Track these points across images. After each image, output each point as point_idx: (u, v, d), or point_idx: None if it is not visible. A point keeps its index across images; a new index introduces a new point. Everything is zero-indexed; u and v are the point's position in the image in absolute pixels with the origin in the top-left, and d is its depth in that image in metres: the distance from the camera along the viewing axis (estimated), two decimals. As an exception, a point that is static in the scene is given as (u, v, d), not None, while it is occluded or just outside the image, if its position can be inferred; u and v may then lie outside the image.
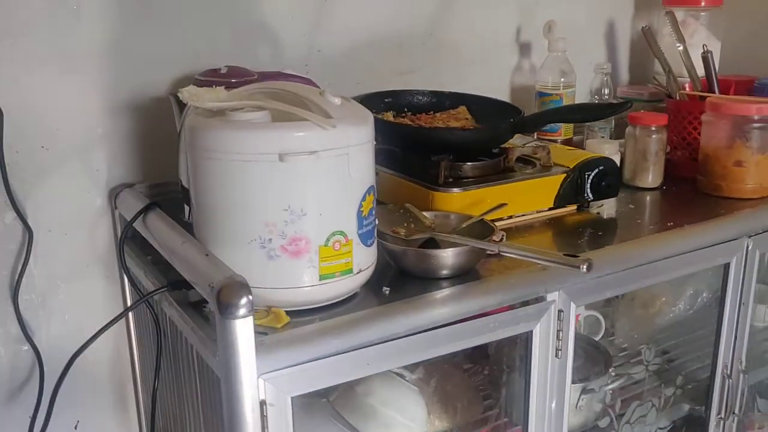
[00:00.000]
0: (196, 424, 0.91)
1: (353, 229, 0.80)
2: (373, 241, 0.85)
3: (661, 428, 1.19)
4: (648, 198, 1.29)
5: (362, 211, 0.81)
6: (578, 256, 0.78)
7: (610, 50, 1.63)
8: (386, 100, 1.30)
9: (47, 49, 1.01)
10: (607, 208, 1.21)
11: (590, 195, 1.17)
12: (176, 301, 0.86)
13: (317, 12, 1.22)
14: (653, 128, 1.29)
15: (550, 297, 0.93)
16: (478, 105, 1.31)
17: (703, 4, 1.54)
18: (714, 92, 1.37)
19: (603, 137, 1.46)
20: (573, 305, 0.96)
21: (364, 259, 0.83)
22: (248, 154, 0.74)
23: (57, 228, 1.06)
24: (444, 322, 0.84)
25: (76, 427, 1.14)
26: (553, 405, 0.98)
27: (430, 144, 1.12)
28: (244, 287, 0.70)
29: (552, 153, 1.19)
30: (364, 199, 0.81)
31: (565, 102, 1.39)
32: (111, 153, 1.08)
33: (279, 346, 0.75)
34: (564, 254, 0.79)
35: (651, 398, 1.15)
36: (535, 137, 1.38)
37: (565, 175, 1.15)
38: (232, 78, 0.98)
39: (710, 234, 1.11)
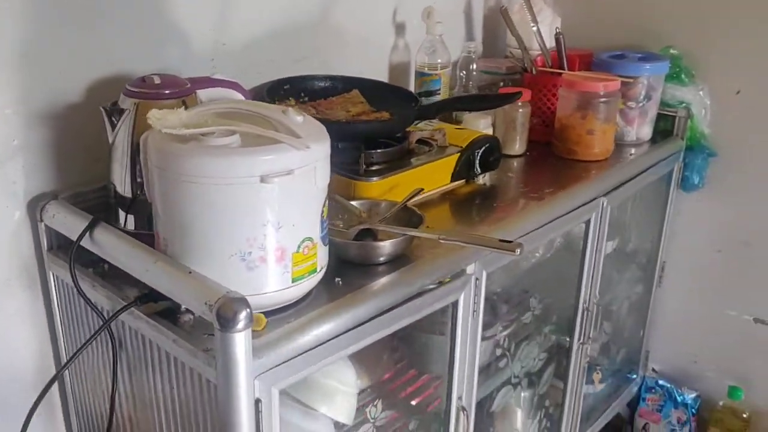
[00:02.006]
0: (167, 427, 0.97)
1: (317, 232, 0.89)
2: (328, 239, 0.95)
3: (540, 359, 1.43)
4: (516, 164, 1.49)
5: (323, 214, 0.90)
6: (512, 242, 0.94)
7: (468, 28, 1.78)
8: (285, 87, 1.36)
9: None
10: (490, 177, 1.39)
11: (479, 169, 1.33)
12: (146, 314, 0.90)
13: (221, 6, 1.24)
14: (520, 103, 1.48)
15: (469, 269, 1.09)
16: (369, 88, 1.41)
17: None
18: (564, 68, 1.58)
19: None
20: (485, 272, 1.13)
21: (324, 257, 0.93)
22: (231, 178, 0.80)
23: (-27, 244, 1.03)
24: (393, 304, 0.97)
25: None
26: (467, 355, 1.15)
27: (351, 136, 1.22)
28: (242, 302, 0.77)
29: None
30: (324, 203, 0.90)
31: (443, 81, 1.53)
32: (28, 163, 1.05)
33: (268, 347, 0.83)
34: (500, 240, 0.94)
35: (536, 337, 1.37)
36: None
37: (459, 154, 1.30)
38: (165, 89, 1.00)
39: (576, 198, 1.34)
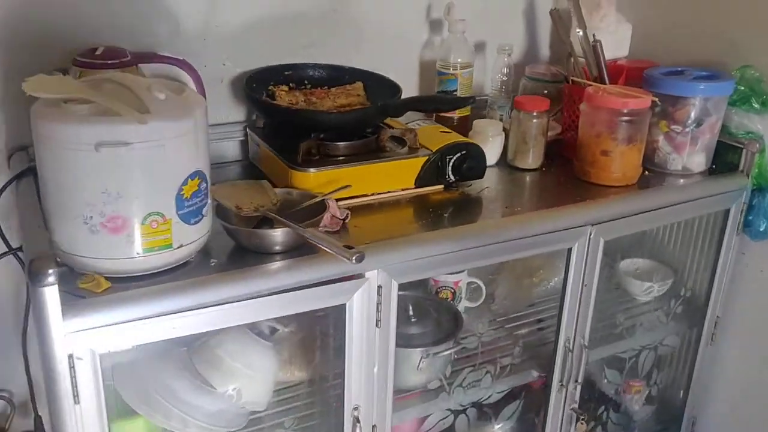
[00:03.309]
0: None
1: (172, 210, 0.92)
2: (200, 219, 0.97)
3: (498, 392, 1.31)
4: (523, 178, 1.37)
5: (183, 194, 0.92)
6: (353, 248, 0.88)
7: (529, 31, 1.66)
8: (286, 72, 1.39)
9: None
10: (479, 187, 1.29)
11: (452, 176, 1.25)
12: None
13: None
14: (534, 113, 1.36)
15: (369, 274, 1.04)
16: (373, 82, 1.39)
17: (614, -14, 1.56)
18: (603, 80, 1.42)
19: (502, 115, 1.52)
20: (394, 282, 1.07)
21: (187, 235, 0.95)
22: (71, 143, 0.86)
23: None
24: (246, 296, 0.96)
25: None
26: (375, 369, 1.10)
27: (298, 124, 1.22)
28: (49, 260, 0.82)
29: (425, 135, 1.28)
30: (185, 183, 0.92)
31: (460, 82, 1.46)
32: (9, 116, 1.20)
33: (88, 308, 0.87)
34: (343, 245, 0.89)
35: (486, 365, 1.26)
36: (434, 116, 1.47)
37: (426, 158, 1.23)
38: (107, 59, 1.09)
39: (557, 222, 1.20)
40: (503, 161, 1.41)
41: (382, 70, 1.44)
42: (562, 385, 1.32)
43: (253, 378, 1.14)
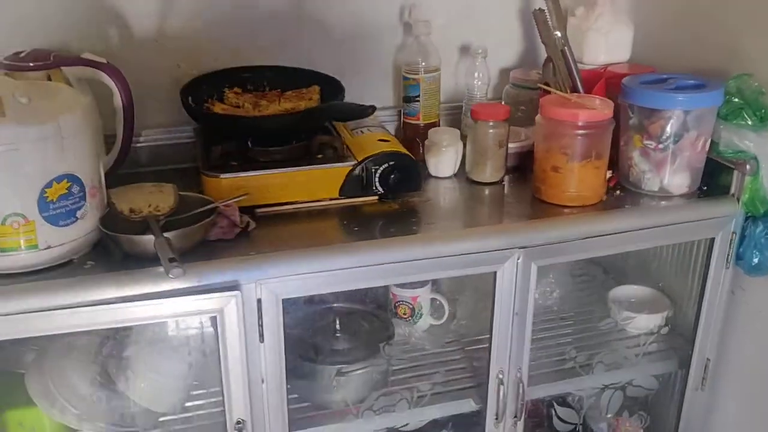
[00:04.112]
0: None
1: (34, 211, 0.94)
2: (73, 221, 0.98)
3: (422, 420, 1.23)
4: (478, 193, 1.28)
5: (47, 197, 0.94)
6: (175, 261, 0.86)
7: (526, 33, 1.54)
8: (244, 75, 1.38)
9: None
10: (421, 200, 1.22)
11: (379, 188, 1.19)
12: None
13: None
14: (491, 123, 1.26)
15: (247, 287, 1.01)
16: (328, 86, 1.35)
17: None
18: (576, 88, 1.28)
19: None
20: (276, 296, 1.03)
21: (56, 237, 0.97)
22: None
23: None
24: (100, 300, 0.96)
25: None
26: (264, 385, 1.07)
27: (217, 128, 1.21)
28: None
29: (362, 142, 1.23)
30: (49, 186, 0.94)
31: (423, 87, 1.37)
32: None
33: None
34: (169, 258, 0.87)
35: (401, 391, 1.19)
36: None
37: (351, 167, 1.18)
38: (30, 62, 1.13)
39: (471, 242, 1.10)
40: (462, 173, 1.32)
41: (354, 74, 1.40)
42: (497, 419, 1.21)
43: (154, 381, 1.15)
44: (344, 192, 1.19)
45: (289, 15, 1.39)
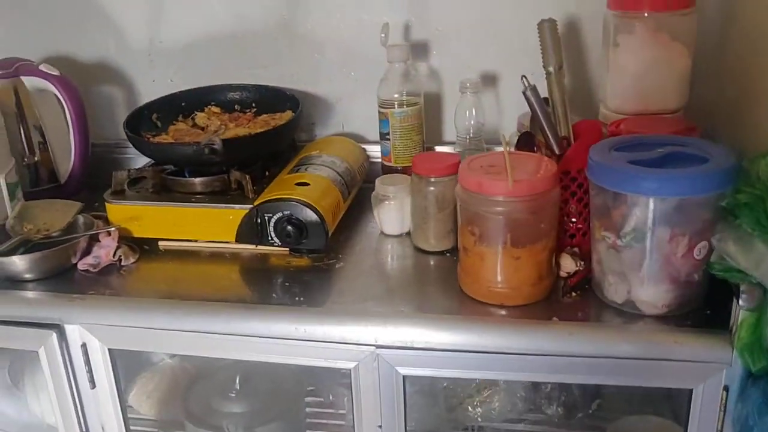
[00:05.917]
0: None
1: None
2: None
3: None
4: (416, 263, 1.03)
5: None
6: None
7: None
8: (233, 93, 1.31)
9: None
10: (334, 262, 1.03)
11: (275, 239, 1.03)
12: None
13: (157, 2, 1.29)
14: (432, 179, 1.01)
15: (69, 328, 0.95)
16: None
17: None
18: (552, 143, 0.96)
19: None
20: (101, 343, 0.95)
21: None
22: None
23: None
24: None
25: None
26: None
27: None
28: None
29: (278, 183, 1.09)
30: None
31: (392, 124, 1.15)
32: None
33: None
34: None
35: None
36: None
37: (246, 211, 1.04)
38: (-7, 70, 1.21)
39: (324, 329, 0.89)
40: (415, 235, 1.09)
41: (344, 98, 1.26)
42: None
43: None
44: (240, 238, 1.05)
45: (275, 33, 1.29)
